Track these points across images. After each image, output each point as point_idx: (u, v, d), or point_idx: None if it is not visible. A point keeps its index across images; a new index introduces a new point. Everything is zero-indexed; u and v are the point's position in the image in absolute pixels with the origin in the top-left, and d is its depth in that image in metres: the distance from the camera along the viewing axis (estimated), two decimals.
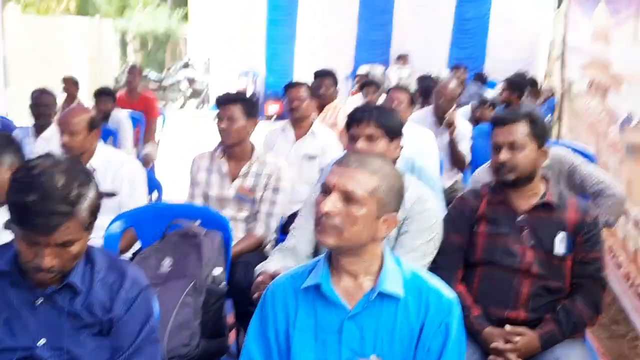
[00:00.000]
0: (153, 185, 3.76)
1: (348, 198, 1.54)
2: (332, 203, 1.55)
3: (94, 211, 1.63)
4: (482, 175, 3.23)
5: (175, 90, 15.98)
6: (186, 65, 17.66)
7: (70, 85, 6.85)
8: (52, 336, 1.67)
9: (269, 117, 12.19)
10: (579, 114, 6.17)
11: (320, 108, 5.00)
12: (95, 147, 3.20)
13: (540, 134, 2.34)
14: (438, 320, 1.60)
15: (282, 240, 2.66)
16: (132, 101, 6.60)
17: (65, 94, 6.73)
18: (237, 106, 3.15)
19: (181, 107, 15.74)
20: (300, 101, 4.12)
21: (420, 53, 12.17)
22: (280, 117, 11.19)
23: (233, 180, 3.22)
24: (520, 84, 5.82)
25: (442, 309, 1.61)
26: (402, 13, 12.45)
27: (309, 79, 5.23)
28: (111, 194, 3.02)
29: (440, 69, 10.40)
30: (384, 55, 12.51)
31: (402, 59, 11.99)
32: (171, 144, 7.81)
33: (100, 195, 1.68)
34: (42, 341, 1.66)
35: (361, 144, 2.34)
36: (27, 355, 1.66)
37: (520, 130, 2.29)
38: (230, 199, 3.20)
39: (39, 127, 4.88)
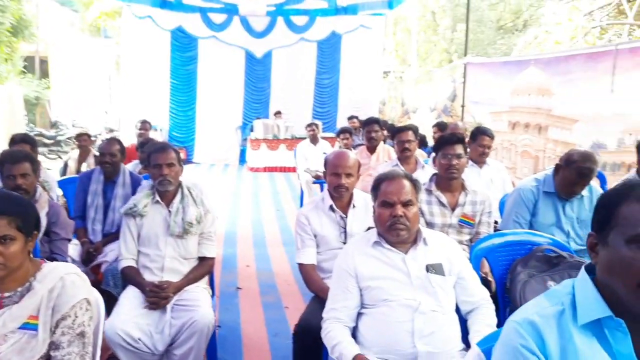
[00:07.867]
0: None
1: None
2: None
3: None
4: None
5: (70, 143, 13.49)
6: (55, 124, 15.90)
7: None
8: None
9: None
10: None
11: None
12: None
13: None
14: None
15: None
16: None
17: None
18: None
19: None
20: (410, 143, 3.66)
21: (291, 110, 11.86)
22: None
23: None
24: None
25: None
26: (277, 81, 12.04)
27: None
28: None
29: (306, 119, 10.14)
30: (265, 111, 12.00)
31: (278, 113, 11.61)
32: None
33: None
34: None
35: None
36: None
37: None
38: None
39: None
